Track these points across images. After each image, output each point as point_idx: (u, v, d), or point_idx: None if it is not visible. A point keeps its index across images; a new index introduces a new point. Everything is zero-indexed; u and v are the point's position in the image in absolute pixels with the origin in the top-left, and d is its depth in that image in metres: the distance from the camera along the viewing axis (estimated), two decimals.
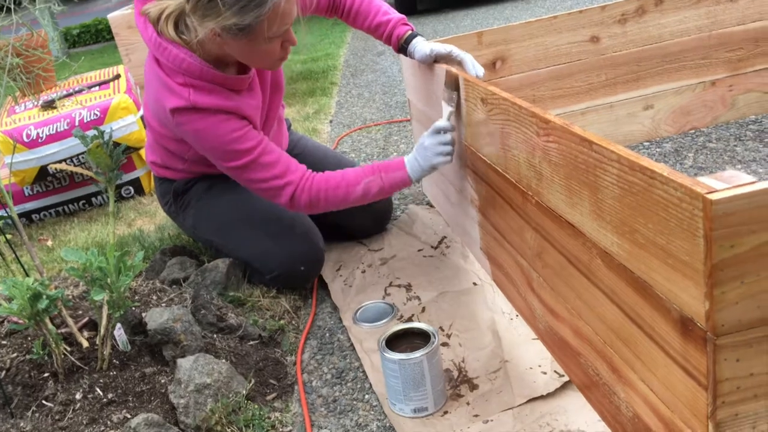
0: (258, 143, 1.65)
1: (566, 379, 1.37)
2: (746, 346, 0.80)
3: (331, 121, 3.76)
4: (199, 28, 1.52)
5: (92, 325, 1.60)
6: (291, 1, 1.53)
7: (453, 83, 1.64)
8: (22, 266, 1.67)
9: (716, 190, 0.73)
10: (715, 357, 0.80)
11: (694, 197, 0.75)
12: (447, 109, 1.66)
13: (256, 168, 1.66)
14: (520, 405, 1.35)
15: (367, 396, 1.49)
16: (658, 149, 2.46)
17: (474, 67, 1.73)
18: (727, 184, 0.76)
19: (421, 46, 1.80)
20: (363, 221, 2.15)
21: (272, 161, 1.67)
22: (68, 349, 1.49)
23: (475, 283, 1.82)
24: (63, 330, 1.55)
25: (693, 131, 2.53)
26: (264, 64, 1.67)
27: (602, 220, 1.00)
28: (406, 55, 1.87)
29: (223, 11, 1.46)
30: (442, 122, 1.64)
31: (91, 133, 1.50)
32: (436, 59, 1.79)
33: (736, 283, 0.76)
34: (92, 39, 11.86)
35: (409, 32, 1.84)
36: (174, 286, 1.84)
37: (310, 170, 1.72)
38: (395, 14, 1.87)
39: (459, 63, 1.76)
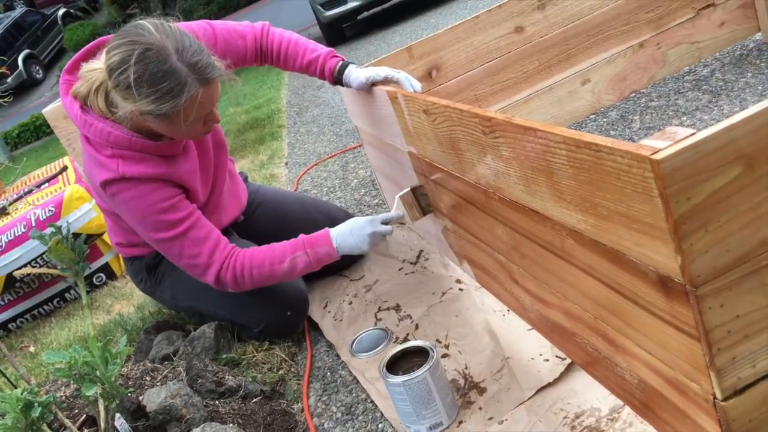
0: (188, 215, 1.65)
1: (569, 361, 1.38)
2: (726, 290, 0.82)
3: (286, 164, 3.76)
4: (120, 106, 1.53)
5: (92, 421, 1.57)
6: (212, 88, 1.53)
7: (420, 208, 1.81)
8: (8, 379, 1.63)
9: (660, 149, 0.76)
10: (700, 307, 0.82)
11: (641, 161, 0.77)
12: (398, 213, 1.77)
13: (184, 243, 1.65)
14: (530, 397, 1.35)
15: (380, 425, 1.48)
16: (604, 119, 2.52)
17: (411, 84, 1.76)
18: (669, 141, 0.78)
19: (356, 74, 1.82)
20: None
21: (202, 237, 1.66)
22: None
23: (461, 289, 1.83)
24: None
25: (633, 94, 2.59)
26: (188, 138, 1.69)
27: (563, 201, 1.02)
28: (343, 86, 1.89)
29: (138, 99, 1.47)
30: (385, 221, 1.73)
31: (48, 231, 1.49)
32: (373, 84, 1.81)
33: (700, 232, 0.79)
34: (33, 136, 11.74)
35: (340, 63, 1.86)
36: (165, 363, 1.81)
37: (237, 248, 1.71)
38: (323, 49, 1.89)
39: (396, 83, 1.79)
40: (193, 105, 1.51)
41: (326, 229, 1.72)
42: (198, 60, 1.49)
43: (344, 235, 1.70)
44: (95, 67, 1.60)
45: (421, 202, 1.82)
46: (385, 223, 1.72)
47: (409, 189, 1.81)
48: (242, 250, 1.71)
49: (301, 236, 1.72)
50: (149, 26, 1.48)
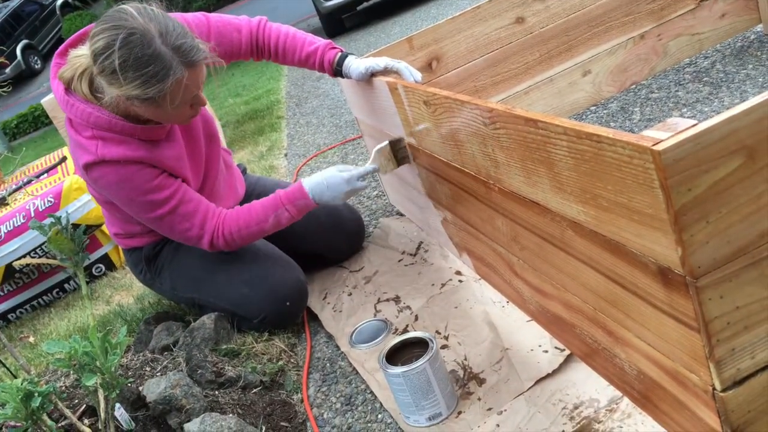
0: (175, 191, 1.67)
1: (568, 352, 1.38)
2: (726, 281, 0.82)
3: (286, 155, 3.76)
4: (106, 91, 1.54)
5: (92, 411, 1.57)
6: (197, 71, 1.54)
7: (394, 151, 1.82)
8: (8, 369, 1.63)
9: (662, 140, 0.75)
10: (700, 299, 0.82)
11: (642, 152, 0.77)
12: (374, 167, 1.79)
13: (174, 219, 1.69)
14: (529, 388, 1.36)
15: (380, 416, 1.48)
16: (605, 111, 2.51)
17: (411, 74, 1.75)
18: (671, 132, 0.78)
19: (356, 65, 1.82)
20: (338, 245, 2.15)
21: (191, 211, 1.70)
22: None
23: (460, 281, 1.83)
24: (63, 423, 1.51)
25: (634, 86, 2.59)
26: (175, 122, 1.70)
27: (564, 192, 1.02)
28: (343, 77, 1.88)
29: (124, 84, 1.47)
30: (361, 176, 1.75)
31: (48, 221, 1.49)
32: (373, 74, 1.81)
33: (701, 224, 0.78)
34: (32, 127, 11.71)
35: (339, 54, 1.85)
36: (165, 353, 1.82)
37: (223, 211, 1.76)
38: (321, 41, 1.88)
39: (396, 73, 1.78)
40: (179, 88, 1.51)
41: (300, 181, 1.76)
42: (182, 43, 1.49)
43: (320, 188, 1.74)
44: (80, 54, 1.60)
45: (397, 154, 1.83)
46: (360, 178, 1.75)
47: (387, 142, 1.82)
48: (227, 212, 1.75)
49: (278, 192, 1.77)
50: (132, 10, 1.48)
